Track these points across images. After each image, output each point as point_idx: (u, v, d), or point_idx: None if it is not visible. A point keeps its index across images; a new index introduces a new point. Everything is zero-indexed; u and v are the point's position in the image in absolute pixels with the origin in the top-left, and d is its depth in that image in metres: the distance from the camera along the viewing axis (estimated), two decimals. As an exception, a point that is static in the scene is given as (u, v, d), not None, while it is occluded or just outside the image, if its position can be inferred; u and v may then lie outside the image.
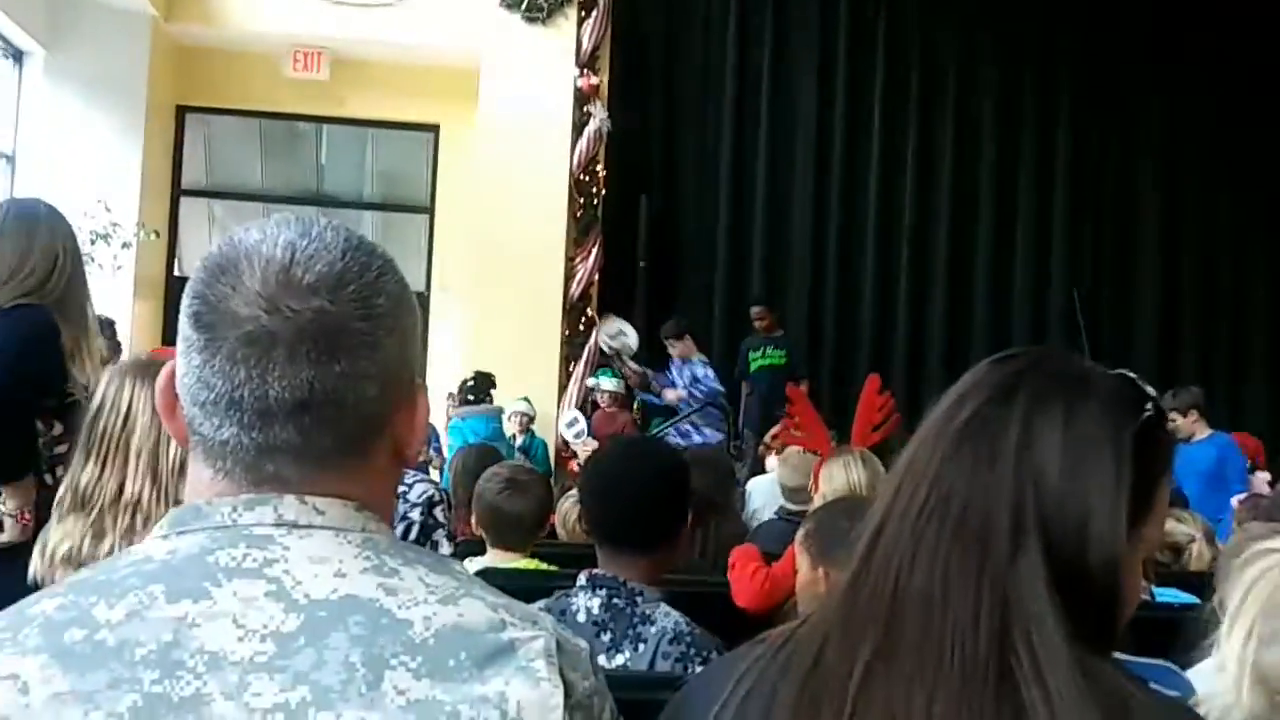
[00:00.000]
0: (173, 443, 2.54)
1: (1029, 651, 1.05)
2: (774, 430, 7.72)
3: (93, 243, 8.34)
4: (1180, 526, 4.13)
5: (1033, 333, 10.59)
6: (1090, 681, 1.05)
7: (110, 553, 2.46)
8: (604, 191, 9.99)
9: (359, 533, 1.02)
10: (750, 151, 10.80)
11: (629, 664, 2.30)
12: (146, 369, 2.62)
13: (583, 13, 9.85)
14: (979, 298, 10.92)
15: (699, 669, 2.28)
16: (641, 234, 10.23)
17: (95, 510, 2.48)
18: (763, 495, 5.82)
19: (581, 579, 2.44)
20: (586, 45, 9.89)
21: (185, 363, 1.04)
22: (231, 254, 1.04)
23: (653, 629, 2.35)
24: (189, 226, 10.87)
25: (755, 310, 9.84)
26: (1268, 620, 1.52)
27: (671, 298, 10.47)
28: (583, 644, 1.05)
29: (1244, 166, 10.67)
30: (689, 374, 9.36)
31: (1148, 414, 1.17)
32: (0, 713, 0.92)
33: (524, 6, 9.72)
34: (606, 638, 2.34)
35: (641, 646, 2.34)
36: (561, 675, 0.98)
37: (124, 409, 2.52)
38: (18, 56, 9.38)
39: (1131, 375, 1.20)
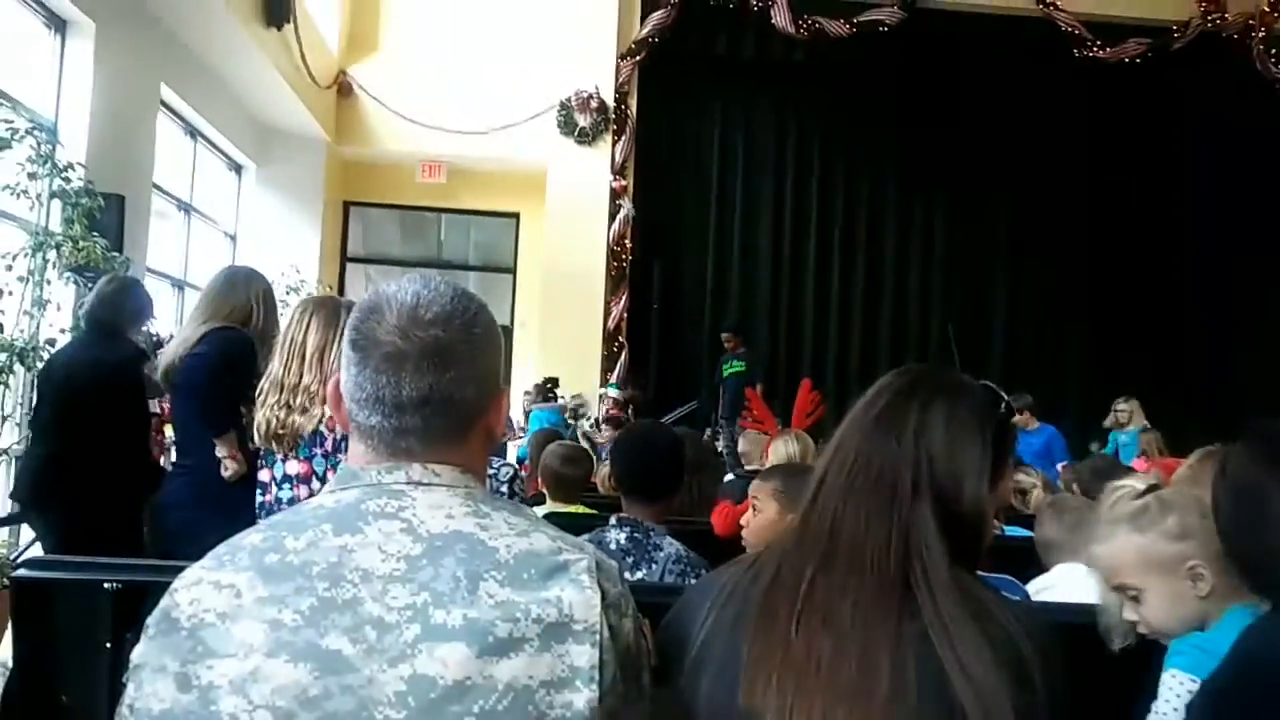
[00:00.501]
0: (334, 349, 2.52)
1: (922, 568, 1.05)
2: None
3: (287, 293, 8.37)
4: (1026, 478, 4.08)
5: (919, 353, 10.53)
6: (961, 588, 1.04)
7: (291, 425, 2.46)
8: (630, 257, 9.95)
9: (463, 488, 1.02)
10: (728, 230, 10.72)
11: (645, 578, 2.27)
12: (320, 302, 2.63)
13: (615, 137, 9.85)
14: (883, 328, 10.79)
15: (694, 581, 2.26)
16: (656, 286, 10.21)
17: (283, 393, 2.48)
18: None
19: (612, 520, 2.42)
20: (618, 159, 9.88)
21: (346, 373, 1.04)
22: (377, 300, 1.05)
23: (662, 554, 2.32)
24: (352, 283, 10.89)
25: (725, 335, 9.63)
26: (1101, 526, 1.52)
27: (675, 328, 10.44)
28: (614, 563, 1.04)
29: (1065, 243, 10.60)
30: None
31: (1002, 412, 1.17)
32: (222, 610, 0.92)
33: (576, 133, 9.75)
34: (630, 560, 2.30)
35: (654, 566, 2.30)
36: (599, 584, 0.97)
37: (306, 325, 2.52)
38: (238, 169, 9.44)
39: (991, 384, 1.20)
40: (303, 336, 2.53)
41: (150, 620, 0.94)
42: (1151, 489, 1.51)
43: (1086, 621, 1.91)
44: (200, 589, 0.94)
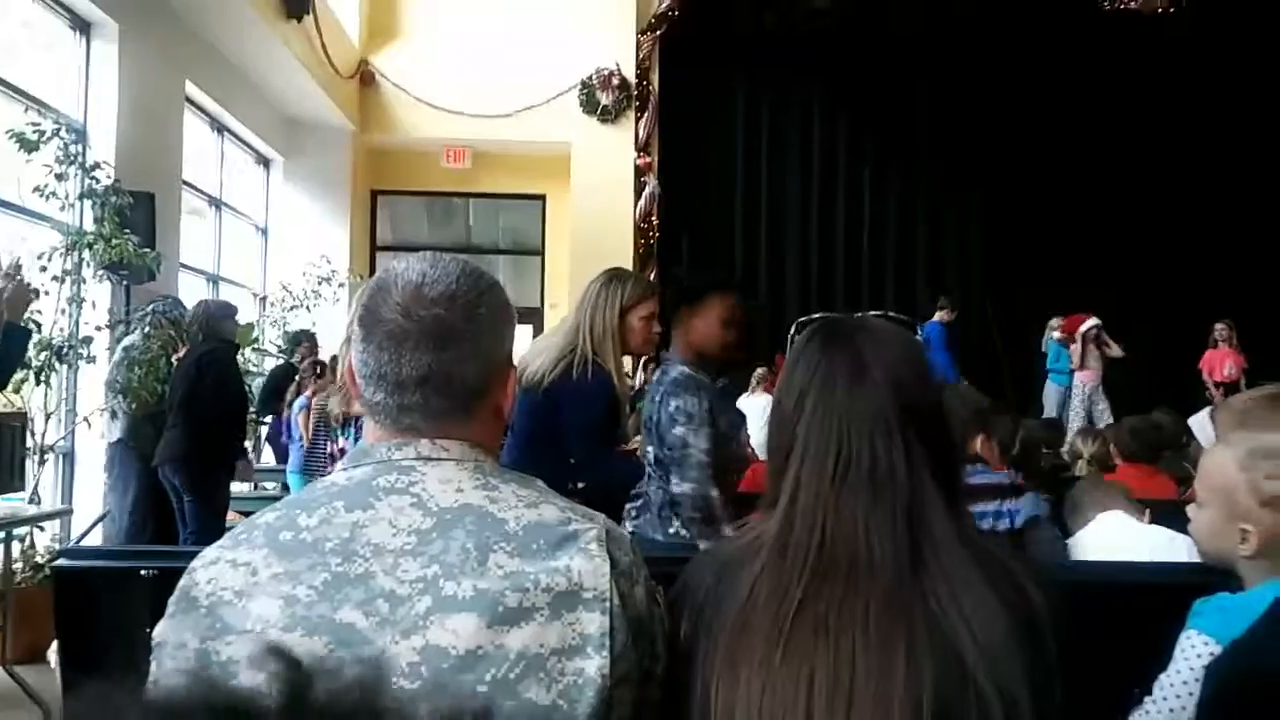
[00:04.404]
0: None
1: (933, 548, 0.99)
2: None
3: (319, 283, 8.48)
4: (1081, 444, 4.01)
5: (958, 318, 10.40)
6: (972, 552, 1.00)
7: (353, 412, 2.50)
8: (657, 234, 9.94)
9: (472, 463, 1.02)
10: (754, 205, 10.67)
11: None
12: None
13: (639, 114, 9.82)
14: (919, 295, 10.65)
15: (676, 403, 2.50)
16: (684, 262, 10.20)
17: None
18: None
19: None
20: (642, 135, 9.86)
21: (354, 349, 1.05)
22: (386, 278, 1.05)
23: (668, 377, 2.66)
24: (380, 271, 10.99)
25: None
26: (1225, 421, 1.57)
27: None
28: (625, 532, 1.04)
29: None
30: None
31: (918, 335, 1.15)
32: (239, 588, 0.94)
33: (599, 112, 9.72)
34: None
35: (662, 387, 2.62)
36: (609, 553, 0.97)
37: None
38: (265, 163, 9.53)
39: (891, 314, 1.17)
40: None
41: (171, 599, 0.97)
42: None
43: (1118, 580, 1.90)
44: (218, 568, 0.96)
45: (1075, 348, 8.88)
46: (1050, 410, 8.80)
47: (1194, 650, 1.32)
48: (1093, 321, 8.84)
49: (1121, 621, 1.50)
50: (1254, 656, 1.20)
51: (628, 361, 3.09)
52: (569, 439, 2.68)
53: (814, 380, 1.06)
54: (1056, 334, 9.03)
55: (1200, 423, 3.93)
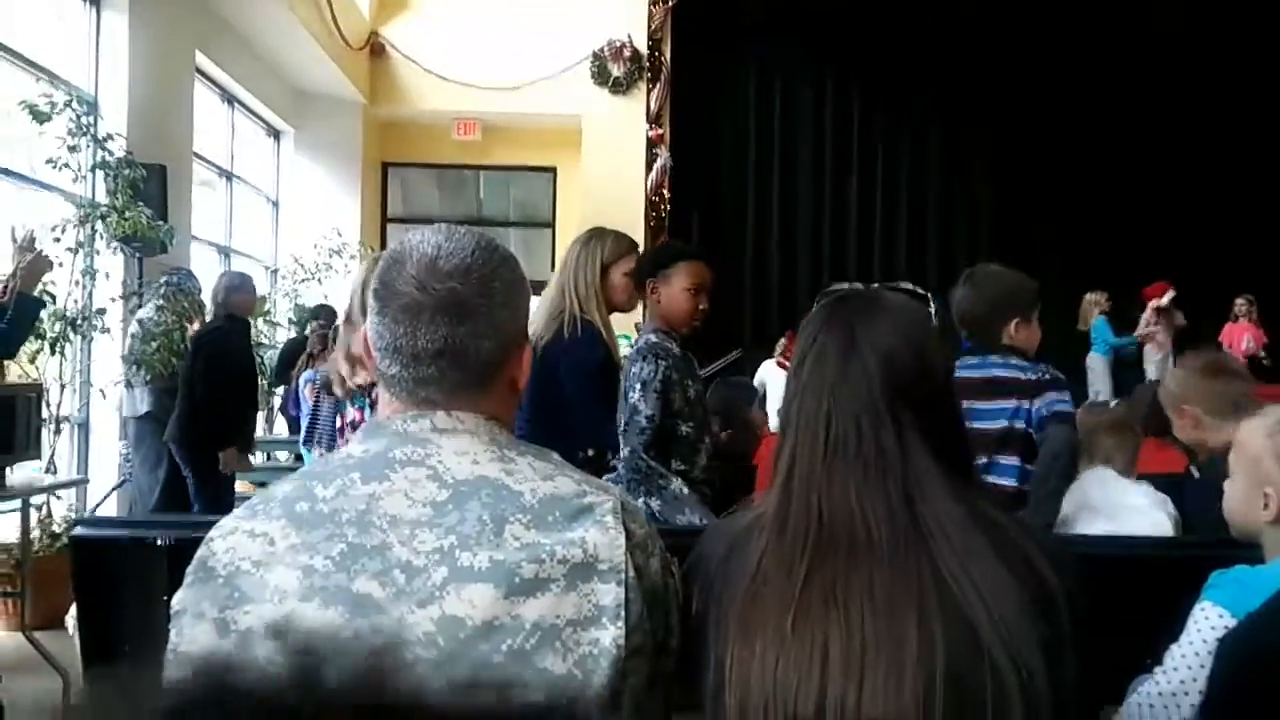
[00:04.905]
0: None
1: (935, 519, 0.98)
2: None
3: (330, 255, 8.48)
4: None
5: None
6: (978, 520, 0.99)
7: (366, 382, 2.49)
8: (668, 208, 9.88)
9: (487, 435, 1.02)
10: (766, 177, 10.60)
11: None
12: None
13: (650, 86, 9.74)
14: (930, 270, 10.52)
15: (636, 368, 2.57)
16: (695, 236, 10.14)
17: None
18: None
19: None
20: (654, 108, 9.78)
21: (370, 322, 1.05)
22: (400, 251, 1.05)
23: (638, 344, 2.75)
24: (393, 244, 10.97)
25: None
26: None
27: (716, 276, 10.30)
28: (639, 505, 1.04)
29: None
30: None
31: (934, 309, 1.13)
32: (256, 558, 0.95)
33: (610, 83, 9.65)
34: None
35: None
36: (624, 525, 0.97)
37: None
38: (276, 135, 9.51)
39: (911, 286, 1.15)
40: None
41: (189, 568, 0.98)
42: None
43: (1131, 553, 1.89)
44: (235, 538, 0.97)
45: (1148, 316, 8.70)
46: (1095, 381, 8.74)
47: (1207, 622, 1.32)
48: (1172, 293, 8.75)
49: (1135, 594, 1.50)
50: (1268, 630, 1.19)
51: (630, 327, 3.09)
52: (567, 391, 2.68)
53: (809, 356, 1.06)
54: (1143, 315, 8.90)
55: None
